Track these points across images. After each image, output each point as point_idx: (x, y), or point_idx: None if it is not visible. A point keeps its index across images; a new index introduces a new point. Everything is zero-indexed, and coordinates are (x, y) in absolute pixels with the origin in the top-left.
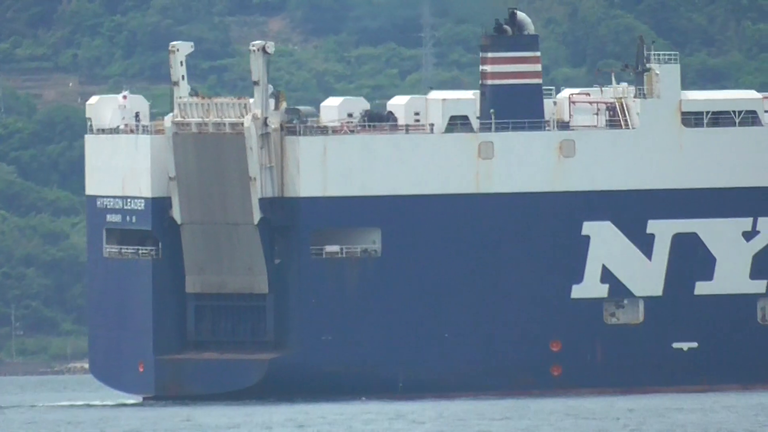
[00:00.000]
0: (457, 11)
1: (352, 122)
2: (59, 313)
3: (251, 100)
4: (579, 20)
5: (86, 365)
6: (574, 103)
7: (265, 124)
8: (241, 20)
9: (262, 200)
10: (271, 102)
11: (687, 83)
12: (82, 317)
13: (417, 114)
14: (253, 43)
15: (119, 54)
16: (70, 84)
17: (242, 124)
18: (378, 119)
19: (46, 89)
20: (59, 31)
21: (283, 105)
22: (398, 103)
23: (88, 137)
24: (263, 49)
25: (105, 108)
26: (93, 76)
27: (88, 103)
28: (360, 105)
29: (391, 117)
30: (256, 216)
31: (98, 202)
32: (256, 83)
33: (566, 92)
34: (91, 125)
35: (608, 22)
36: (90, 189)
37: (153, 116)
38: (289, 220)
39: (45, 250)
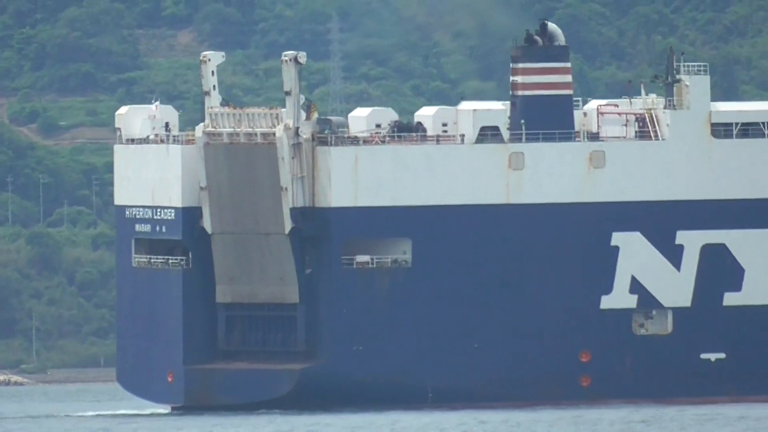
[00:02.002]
0: (365, 25)
1: (381, 133)
2: None
3: (283, 110)
4: (488, 34)
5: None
6: (602, 114)
7: (297, 134)
8: (150, 33)
9: (293, 210)
10: (302, 112)
11: (597, 96)
12: None
13: (445, 125)
14: (285, 53)
15: (28, 66)
16: None
17: (274, 134)
18: (407, 130)
19: None
20: None
21: (315, 115)
22: (426, 114)
23: (117, 147)
24: (295, 60)
25: (134, 118)
26: (2, 88)
27: (117, 113)
28: (388, 116)
29: (420, 128)
30: (288, 226)
31: (127, 212)
32: (288, 93)
33: (594, 103)
34: (120, 135)
35: (517, 35)
36: (119, 199)
37: (67, 128)
38: (320, 230)
39: None
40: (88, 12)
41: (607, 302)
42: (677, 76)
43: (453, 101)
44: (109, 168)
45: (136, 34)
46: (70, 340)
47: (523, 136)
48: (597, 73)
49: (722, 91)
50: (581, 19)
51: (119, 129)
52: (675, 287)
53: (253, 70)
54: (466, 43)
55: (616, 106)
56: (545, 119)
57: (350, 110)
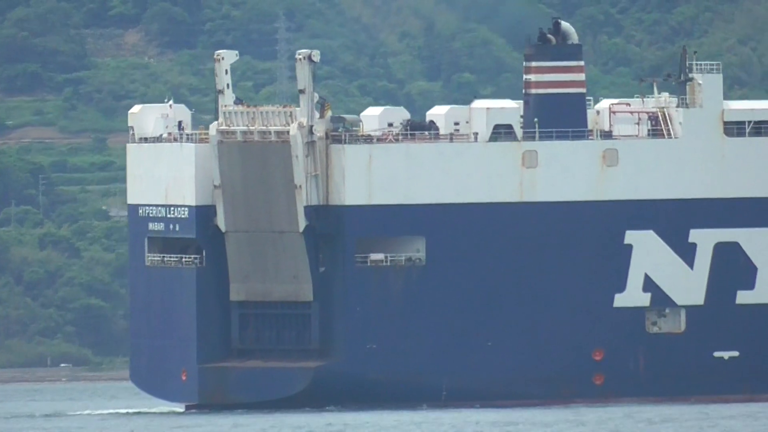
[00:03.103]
0: (311, 26)
1: (393, 131)
2: None
3: (297, 109)
4: (435, 34)
5: None
6: (614, 113)
7: (311, 132)
8: (97, 33)
9: (307, 208)
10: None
11: None
12: None
13: (457, 124)
14: (299, 51)
15: None
16: None
17: (288, 132)
18: (419, 128)
19: None
20: None
21: (328, 113)
22: (438, 113)
23: (130, 146)
24: (309, 58)
25: (147, 117)
26: None
27: (130, 112)
28: (401, 114)
29: (432, 126)
30: (302, 224)
31: (140, 211)
32: (302, 91)
33: (605, 102)
34: (133, 134)
35: (463, 35)
36: (131, 198)
37: (13, 128)
38: (334, 228)
39: None
40: (36, 12)
41: (620, 300)
42: (690, 75)
43: (399, 101)
44: (57, 167)
45: (83, 33)
46: (17, 340)
47: (537, 135)
48: None
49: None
50: (526, 19)
51: (132, 128)
52: (688, 285)
53: (201, 69)
54: (412, 44)
55: (628, 105)
56: (558, 117)
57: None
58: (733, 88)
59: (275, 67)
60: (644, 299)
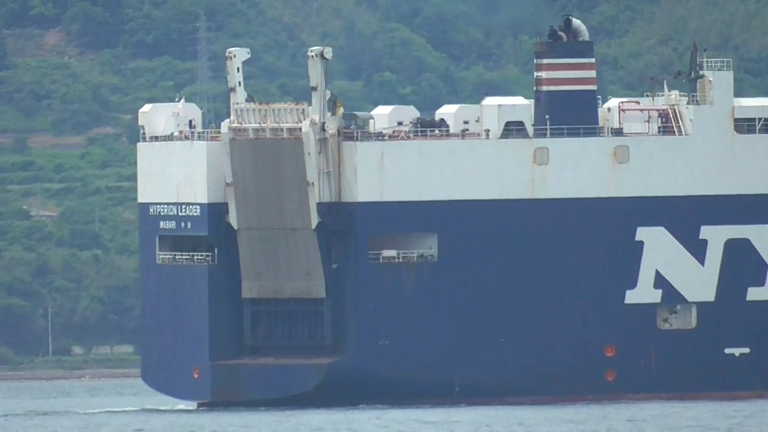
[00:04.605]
0: (232, 26)
1: (404, 129)
2: None
3: (309, 107)
4: (355, 34)
5: None
6: (623, 111)
7: (323, 129)
8: (17, 33)
9: (320, 205)
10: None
11: (463, 97)
12: None
13: (466, 122)
14: (311, 48)
15: None
16: None
17: (300, 129)
18: (430, 127)
19: None
20: None
21: (340, 110)
22: (448, 112)
23: (140, 145)
24: (321, 55)
25: (158, 116)
26: None
27: (141, 111)
28: (410, 113)
29: (443, 124)
30: (314, 221)
31: (151, 210)
32: (314, 89)
33: (614, 101)
34: (143, 133)
35: (384, 35)
36: (142, 197)
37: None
38: (347, 225)
39: None
40: None
41: (631, 297)
42: (700, 72)
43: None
44: None
45: (3, 33)
46: None
47: (548, 132)
48: (464, 73)
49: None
50: (447, 19)
51: (142, 127)
52: (699, 282)
53: (121, 69)
54: (333, 43)
55: (637, 103)
56: (570, 114)
57: (217, 110)
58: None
59: (196, 67)
60: (655, 296)
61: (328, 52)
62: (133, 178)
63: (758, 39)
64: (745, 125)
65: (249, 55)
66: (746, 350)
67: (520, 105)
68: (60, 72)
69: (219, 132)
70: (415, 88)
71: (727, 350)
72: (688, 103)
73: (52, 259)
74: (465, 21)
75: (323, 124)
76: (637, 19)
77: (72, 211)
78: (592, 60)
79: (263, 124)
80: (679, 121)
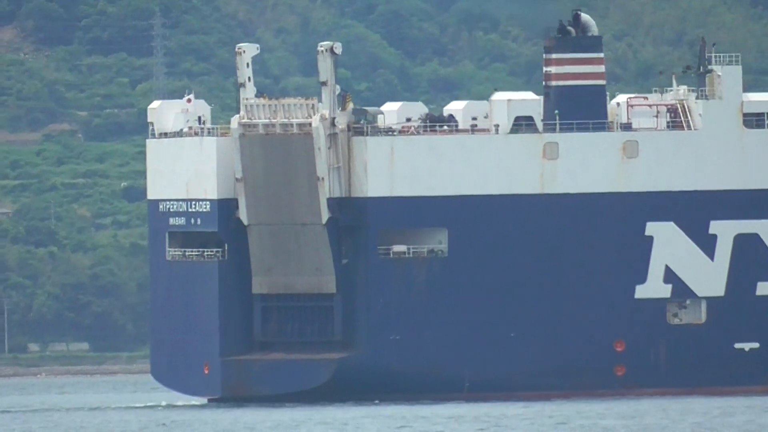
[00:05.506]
0: (187, 22)
1: (414, 125)
2: None
3: (318, 102)
4: (310, 30)
5: None
6: (632, 106)
7: (333, 124)
8: None
9: (330, 200)
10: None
11: (419, 93)
12: None
13: (474, 118)
14: (321, 44)
15: None
16: None
17: (310, 124)
18: (439, 122)
19: None
20: None
21: (350, 105)
22: (456, 108)
23: (149, 141)
24: (331, 50)
25: (167, 112)
26: None
27: (150, 107)
28: (419, 109)
29: (452, 120)
30: (324, 216)
31: (160, 206)
32: (324, 84)
33: (622, 97)
34: (152, 129)
35: (339, 32)
36: (152, 193)
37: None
38: (357, 220)
39: None
40: None
41: (641, 292)
42: (709, 67)
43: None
44: None
45: None
46: None
47: (557, 126)
48: (419, 69)
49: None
50: (402, 15)
51: (151, 123)
52: (709, 277)
53: (77, 65)
54: (288, 40)
55: (646, 98)
56: (579, 109)
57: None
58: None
59: (151, 64)
60: (665, 290)
61: (338, 48)
62: (88, 174)
63: (713, 34)
64: (754, 120)
65: (258, 51)
66: (756, 345)
67: (529, 100)
68: (15, 68)
69: (228, 128)
70: (370, 84)
71: (737, 345)
72: (697, 98)
73: (7, 256)
74: (420, 16)
75: (333, 119)
76: (590, 14)
77: (28, 207)
78: (602, 55)
79: (273, 120)
80: (688, 116)
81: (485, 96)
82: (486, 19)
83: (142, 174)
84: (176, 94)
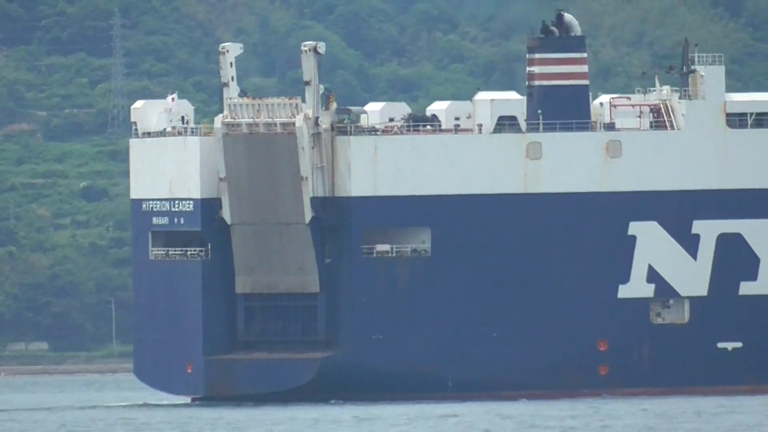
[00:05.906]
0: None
1: (397, 125)
2: None
3: (302, 101)
4: (270, 31)
5: None
6: (615, 106)
7: (317, 124)
8: None
9: (313, 200)
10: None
11: (377, 93)
12: None
13: (457, 119)
14: (305, 43)
15: None
16: None
17: (294, 124)
18: (422, 122)
19: None
20: None
21: (334, 105)
22: (439, 108)
23: (133, 141)
24: (315, 50)
25: (150, 112)
26: None
27: (133, 107)
28: (402, 109)
29: (435, 120)
30: (308, 215)
31: (143, 205)
32: (307, 83)
33: (605, 97)
34: (135, 129)
35: (298, 32)
36: (135, 193)
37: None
38: (340, 220)
39: None
40: None
41: (624, 291)
42: (692, 67)
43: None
44: None
45: None
46: None
47: (541, 126)
48: (378, 69)
49: (504, 88)
50: (361, 16)
51: (134, 123)
52: (692, 276)
53: (36, 65)
54: (247, 40)
55: (629, 99)
56: (562, 109)
57: (131, 106)
58: None
59: (110, 64)
60: (648, 290)
61: (322, 47)
62: (48, 174)
63: (672, 35)
64: (737, 120)
65: (242, 51)
66: (739, 344)
67: (512, 100)
68: None
69: (212, 127)
70: (329, 85)
71: (720, 345)
72: (680, 98)
73: None
74: (379, 17)
75: (317, 118)
76: (548, 15)
77: None
78: (585, 55)
79: (256, 119)
80: (671, 116)
81: (444, 97)
82: (445, 20)
83: (102, 174)
84: (135, 94)
